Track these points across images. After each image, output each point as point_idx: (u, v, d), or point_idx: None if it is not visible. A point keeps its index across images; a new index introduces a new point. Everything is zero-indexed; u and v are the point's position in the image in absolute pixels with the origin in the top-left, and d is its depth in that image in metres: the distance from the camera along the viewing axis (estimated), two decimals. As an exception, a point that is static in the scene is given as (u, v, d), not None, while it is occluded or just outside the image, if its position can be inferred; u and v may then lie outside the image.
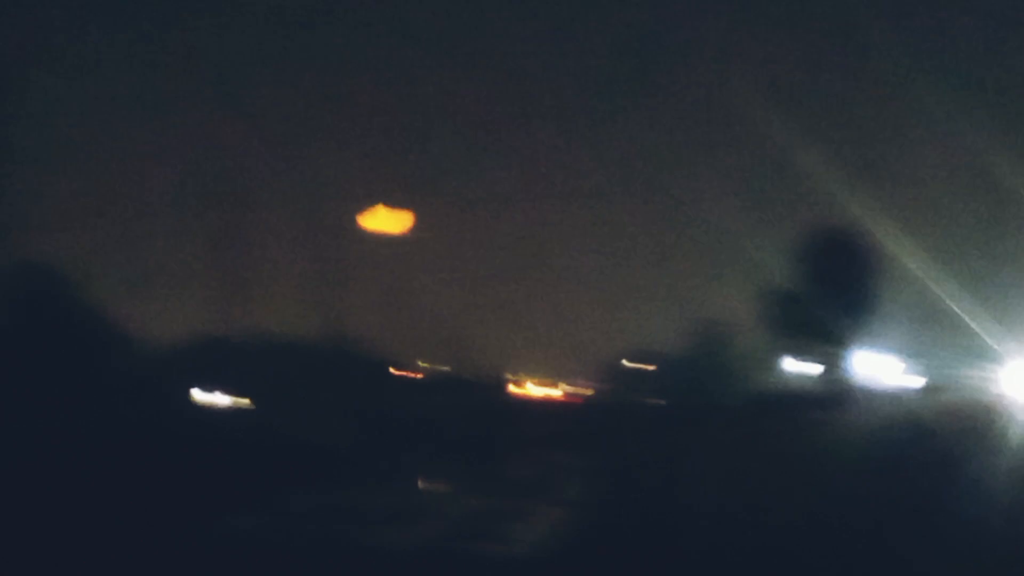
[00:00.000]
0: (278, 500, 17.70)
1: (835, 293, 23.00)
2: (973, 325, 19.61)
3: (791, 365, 25.90)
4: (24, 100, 22.90)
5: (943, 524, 13.64)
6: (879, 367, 24.74)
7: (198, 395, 28.62)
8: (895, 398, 22.15)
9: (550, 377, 40.59)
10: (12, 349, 17.17)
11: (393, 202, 27.13)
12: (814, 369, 24.84)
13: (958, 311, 19.43)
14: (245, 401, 28.99)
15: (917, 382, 23.69)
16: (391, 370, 37.50)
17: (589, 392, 37.71)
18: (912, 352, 23.45)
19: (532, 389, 41.16)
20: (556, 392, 40.80)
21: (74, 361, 17.41)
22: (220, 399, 29.34)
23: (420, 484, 21.87)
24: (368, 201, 27.08)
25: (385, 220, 28.03)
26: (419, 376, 37.44)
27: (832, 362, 23.88)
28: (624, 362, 34.48)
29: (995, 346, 20.15)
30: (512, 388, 41.42)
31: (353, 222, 28.07)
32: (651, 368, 31.77)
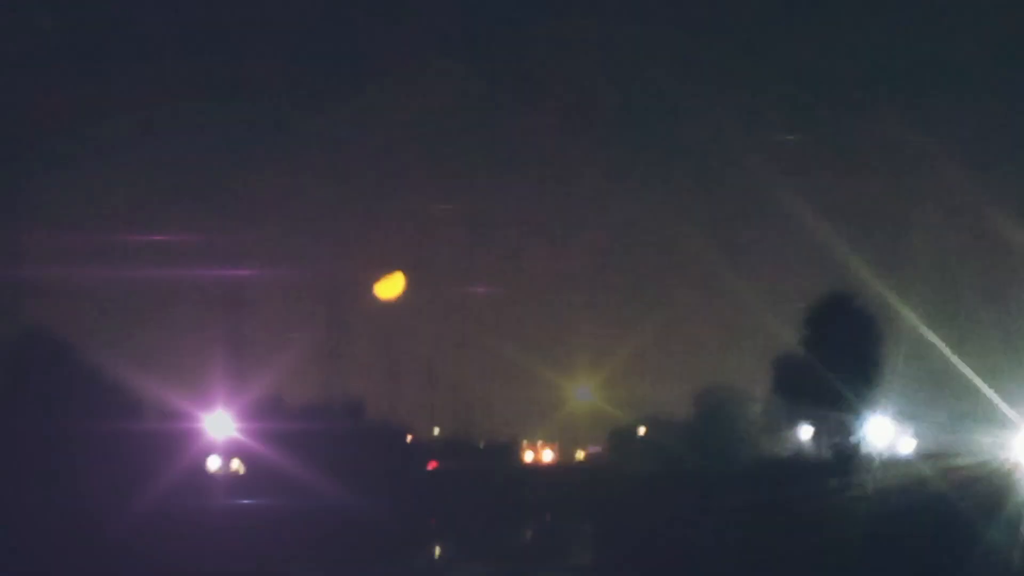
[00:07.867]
0: (288, 569, 17.74)
1: (846, 360, 22.96)
2: (985, 391, 19.57)
3: (802, 431, 25.78)
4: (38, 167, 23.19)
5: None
6: (890, 433, 24.65)
7: (212, 463, 28.64)
8: (906, 464, 22.05)
9: (562, 443, 40.54)
10: (16, 413, 17.29)
11: (407, 270, 27.26)
12: (825, 435, 24.77)
13: (971, 378, 19.40)
14: (246, 468, 28.98)
15: (928, 448, 23.57)
16: (407, 438, 37.55)
17: (600, 457, 37.68)
18: (924, 418, 23.37)
19: (544, 455, 41.16)
20: (568, 457, 40.82)
21: (81, 426, 17.52)
22: (230, 466, 29.34)
23: (430, 550, 21.85)
24: (381, 269, 27.21)
25: (399, 288, 28.16)
26: (432, 442, 37.50)
27: (843, 428, 23.80)
28: (636, 428, 34.43)
29: (1007, 412, 20.10)
30: (525, 454, 41.39)
31: (367, 290, 28.21)
32: (662, 434, 31.71)
